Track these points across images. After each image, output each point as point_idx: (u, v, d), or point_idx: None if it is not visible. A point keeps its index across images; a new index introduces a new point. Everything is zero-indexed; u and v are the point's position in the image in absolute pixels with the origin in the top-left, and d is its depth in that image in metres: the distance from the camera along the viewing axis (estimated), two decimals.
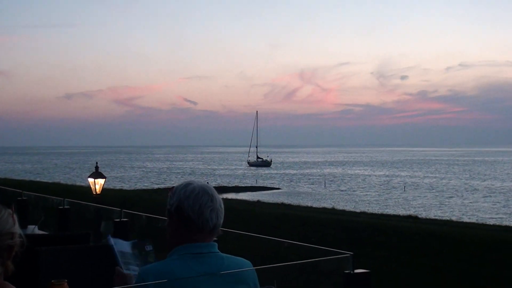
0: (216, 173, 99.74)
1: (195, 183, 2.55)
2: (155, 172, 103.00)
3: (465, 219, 38.66)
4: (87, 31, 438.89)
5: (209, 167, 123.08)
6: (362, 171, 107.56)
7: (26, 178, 56.31)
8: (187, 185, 2.55)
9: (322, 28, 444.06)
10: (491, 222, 36.59)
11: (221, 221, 2.54)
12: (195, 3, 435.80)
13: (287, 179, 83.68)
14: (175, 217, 2.52)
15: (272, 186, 72.47)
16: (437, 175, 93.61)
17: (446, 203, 53.76)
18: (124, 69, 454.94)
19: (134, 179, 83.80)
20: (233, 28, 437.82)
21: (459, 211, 47.62)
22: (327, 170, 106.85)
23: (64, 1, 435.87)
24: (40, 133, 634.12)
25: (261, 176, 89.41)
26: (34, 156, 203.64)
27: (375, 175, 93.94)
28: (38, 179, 56.59)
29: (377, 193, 63.70)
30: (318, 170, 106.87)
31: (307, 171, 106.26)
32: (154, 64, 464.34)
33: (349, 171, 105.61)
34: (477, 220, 38.98)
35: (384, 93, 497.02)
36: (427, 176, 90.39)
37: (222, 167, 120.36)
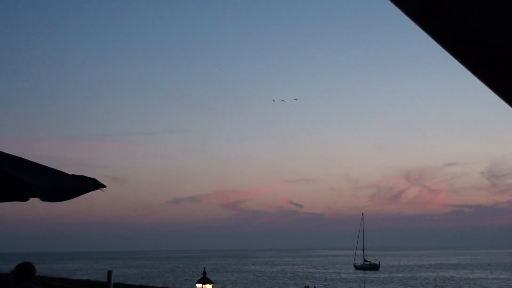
0: (328, 277, 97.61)
1: None
2: (266, 276, 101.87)
3: None
4: (193, 137, 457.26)
5: (318, 270, 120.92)
6: (479, 274, 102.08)
7: (137, 283, 57.72)
8: None
9: (428, 129, 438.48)
10: None
11: None
12: (297, 108, 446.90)
13: (397, 283, 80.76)
14: None
15: None
16: None
17: None
18: (229, 174, 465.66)
19: (244, 283, 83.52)
20: (338, 131, 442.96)
21: None
22: (440, 274, 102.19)
23: (170, 109, 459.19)
24: (151, 237, 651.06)
25: (369, 280, 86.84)
26: (146, 260, 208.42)
27: (494, 278, 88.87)
28: (150, 284, 57.79)
29: None
30: (430, 274, 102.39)
31: (418, 274, 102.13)
32: (259, 168, 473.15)
33: (463, 274, 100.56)
34: None
35: (496, 193, 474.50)
36: None
37: (329, 271, 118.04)
